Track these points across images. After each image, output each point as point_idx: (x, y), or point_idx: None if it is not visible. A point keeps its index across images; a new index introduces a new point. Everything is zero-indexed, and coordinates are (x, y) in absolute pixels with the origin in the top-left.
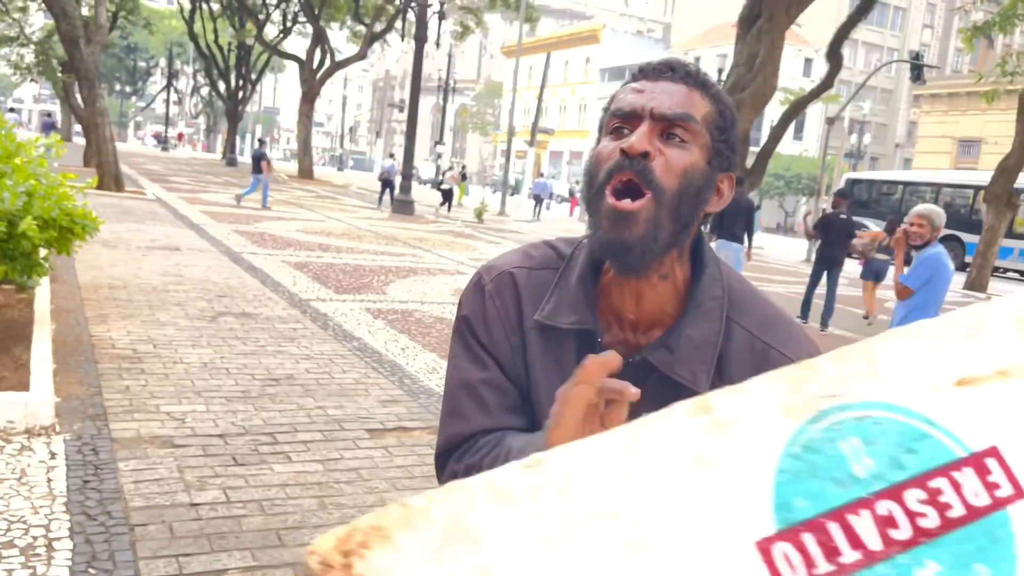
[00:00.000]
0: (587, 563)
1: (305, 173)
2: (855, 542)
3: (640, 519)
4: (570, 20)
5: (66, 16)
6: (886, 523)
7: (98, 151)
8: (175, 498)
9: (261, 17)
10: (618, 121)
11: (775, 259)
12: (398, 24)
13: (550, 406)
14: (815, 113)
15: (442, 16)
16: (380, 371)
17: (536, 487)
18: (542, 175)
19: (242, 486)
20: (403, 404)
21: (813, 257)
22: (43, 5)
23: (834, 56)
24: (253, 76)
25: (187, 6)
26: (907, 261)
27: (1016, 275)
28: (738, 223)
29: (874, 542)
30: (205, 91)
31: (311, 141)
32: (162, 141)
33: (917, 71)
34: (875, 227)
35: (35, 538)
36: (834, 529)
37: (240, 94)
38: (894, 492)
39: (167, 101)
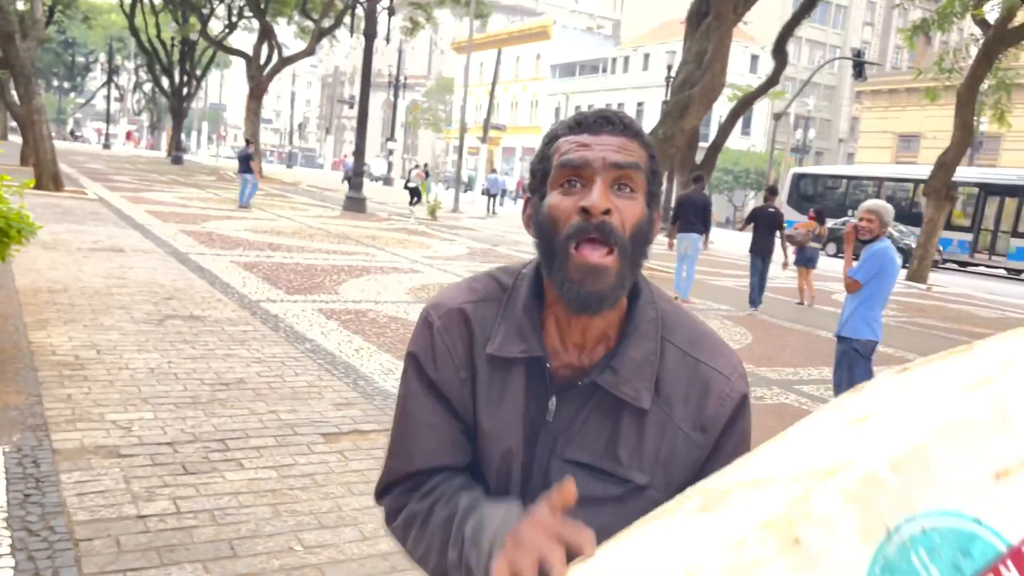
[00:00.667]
0: None
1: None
2: None
3: None
4: (520, 16)
5: (0, 10)
6: None
7: (35, 149)
8: (122, 510)
9: (205, 12)
10: (569, 173)
11: (725, 253)
12: (347, 19)
13: (501, 431)
14: (762, 109)
15: (391, 11)
16: (334, 373)
17: None
18: (495, 171)
19: (192, 495)
20: (358, 407)
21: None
22: None
23: (779, 53)
24: (198, 72)
25: (127, 0)
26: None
27: (955, 266)
28: (697, 217)
29: None
30: (148, 87)
31: (259, 138)
32: (76, 138)
33: (859, 68)
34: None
35: None
36: None
37: (185, 90)
38: None
39: (107, 98)
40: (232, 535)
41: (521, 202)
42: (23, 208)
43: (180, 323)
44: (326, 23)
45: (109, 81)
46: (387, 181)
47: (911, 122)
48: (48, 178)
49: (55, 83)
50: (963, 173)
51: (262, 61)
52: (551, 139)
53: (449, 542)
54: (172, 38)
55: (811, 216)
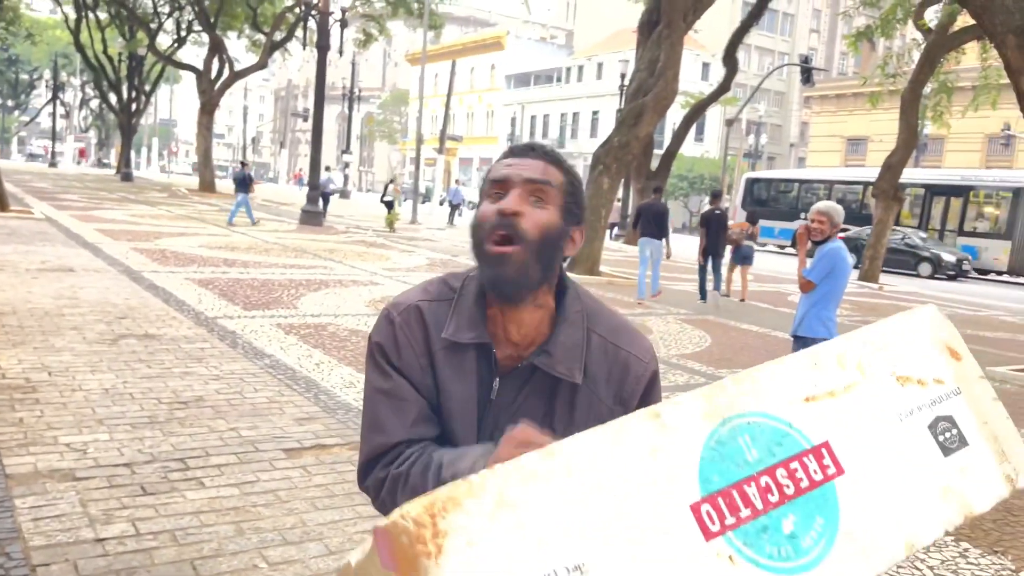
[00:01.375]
0: (583, 519)
1: (206, 186)
2: (747, 503)
3: (617, 490)
4: (474, 27)
5: None
6: (765, 490)
7: None
8: (79, 534)
9: (153, 26)
10: (496, 187)
11: (683, 258)
12: (299, 32)
13: (459, 408)
14: (714, 115)
15: (344, 24)
16: (294, 388)
17: (551, 470)
18: (457, 182)
19: (152, 516)
20: (320, 421)
21: (698, 249)
22: None
23: (730, 60)
24: (147, 87)
25: (72, 16)
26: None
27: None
28: (655, 224)
29: (759, 503)
30: (95, 103)
31: (212, 153)
32: (34, 158)
33: (807, 74)
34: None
35: None
36: (736, 494)
37: (133, 106)
38: (769, 471)
39: (53, 115)
40: (194, 555)
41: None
42: None
43: (135, 342)
44: (278, 36)
45: (54, 98)
46: (343, 194)
47: (858, 126)
48: None
49: None
50: (909, 174)
51: (213, 75)
52: (491, 164)
53: (428, 482)
54: (119, 53)
55: (750, 213)
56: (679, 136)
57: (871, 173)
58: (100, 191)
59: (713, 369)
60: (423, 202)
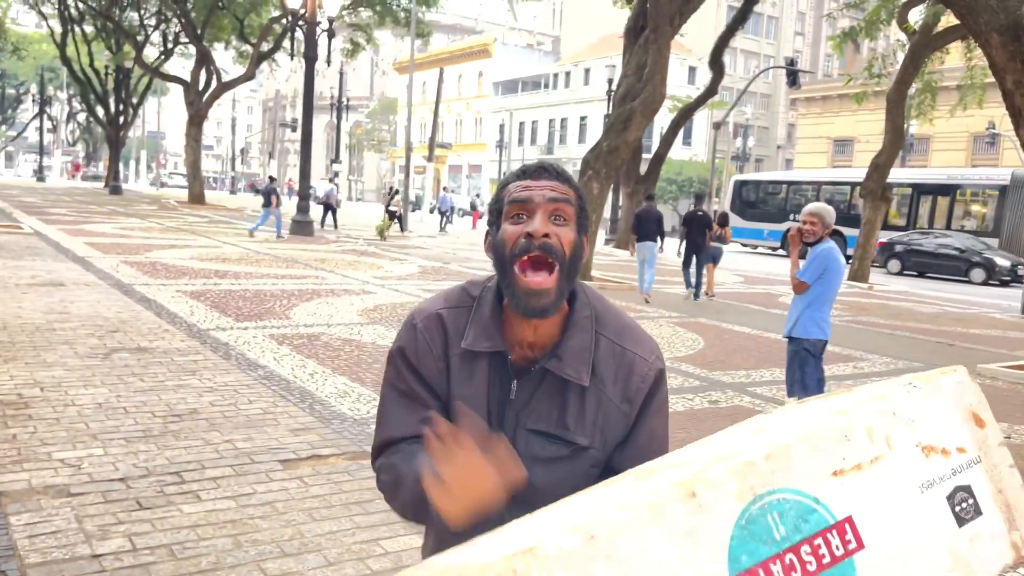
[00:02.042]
0: None
1: (196, 198)
2: None
3: (654, 573)
4: (461, 35)
5: None
6: (790, 568)
7: None
8: (75, 551)
9: (140, 39)
10: (517, 209)
11: (672, 261)
12: (286, 43)
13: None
14: (702, 119)
15: (331, 34)
16: (289, 399)
17: (591, 556)
18: (447, 190)
19: (148, 531)
20: (315, 431)
21: (682, 248)
22: None
23: (716, 64)
24: (134, 100)
25: (58, 29)
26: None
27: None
28: (653, 228)
29: None
30: (82, 117)
31: (200, 165)
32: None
33: (792, 76)
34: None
35: None
36: (762, 573)
37: (121, 119)
38: (794, 548)
39: (40, 129)
40: (192, 569)
41: (469, 218)
42: None
43: (127, 356)
44: (265, 47)
45: (41, 112)
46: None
47: (845, 127)
48: None
49: None
50: (896, 174)
51: (201, 87)
52: (503, 185)
53: (407, 474)
54: (106, 66)
55: (720, 215)
56: (667, 140)
57: (859, 173)
58: (89, 204)
59: (707, 372)
60: (413, 210)
